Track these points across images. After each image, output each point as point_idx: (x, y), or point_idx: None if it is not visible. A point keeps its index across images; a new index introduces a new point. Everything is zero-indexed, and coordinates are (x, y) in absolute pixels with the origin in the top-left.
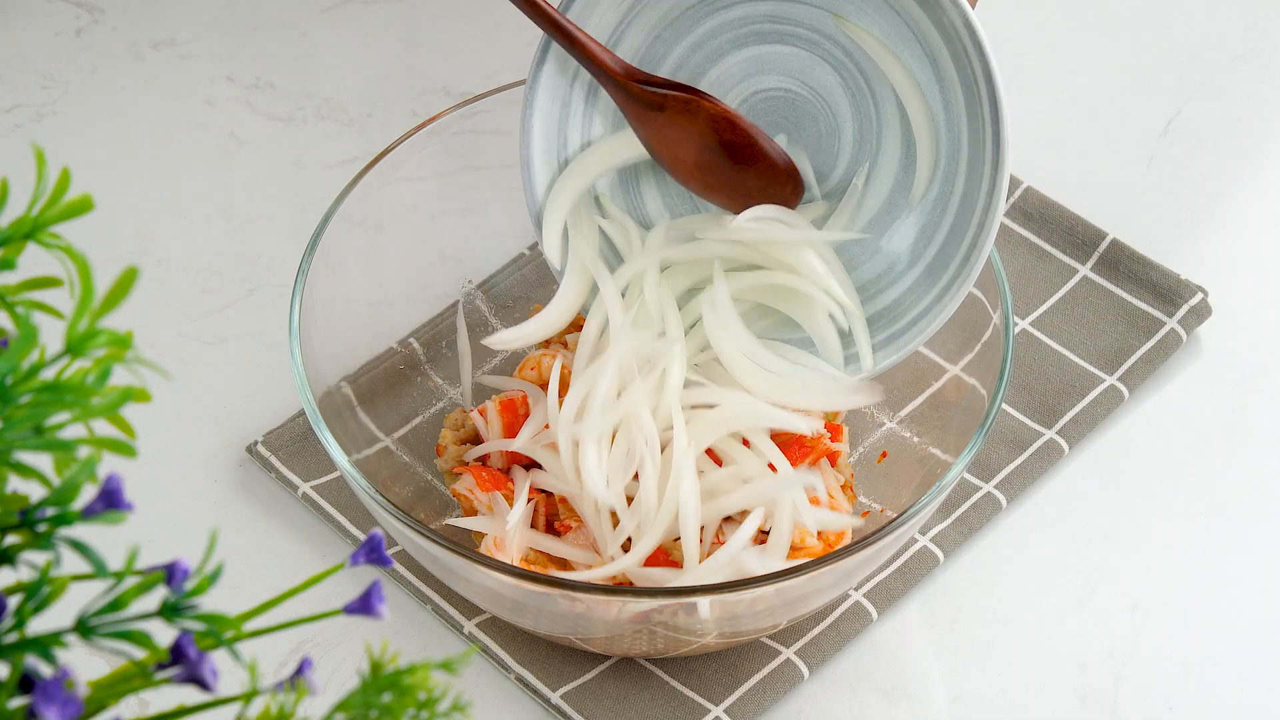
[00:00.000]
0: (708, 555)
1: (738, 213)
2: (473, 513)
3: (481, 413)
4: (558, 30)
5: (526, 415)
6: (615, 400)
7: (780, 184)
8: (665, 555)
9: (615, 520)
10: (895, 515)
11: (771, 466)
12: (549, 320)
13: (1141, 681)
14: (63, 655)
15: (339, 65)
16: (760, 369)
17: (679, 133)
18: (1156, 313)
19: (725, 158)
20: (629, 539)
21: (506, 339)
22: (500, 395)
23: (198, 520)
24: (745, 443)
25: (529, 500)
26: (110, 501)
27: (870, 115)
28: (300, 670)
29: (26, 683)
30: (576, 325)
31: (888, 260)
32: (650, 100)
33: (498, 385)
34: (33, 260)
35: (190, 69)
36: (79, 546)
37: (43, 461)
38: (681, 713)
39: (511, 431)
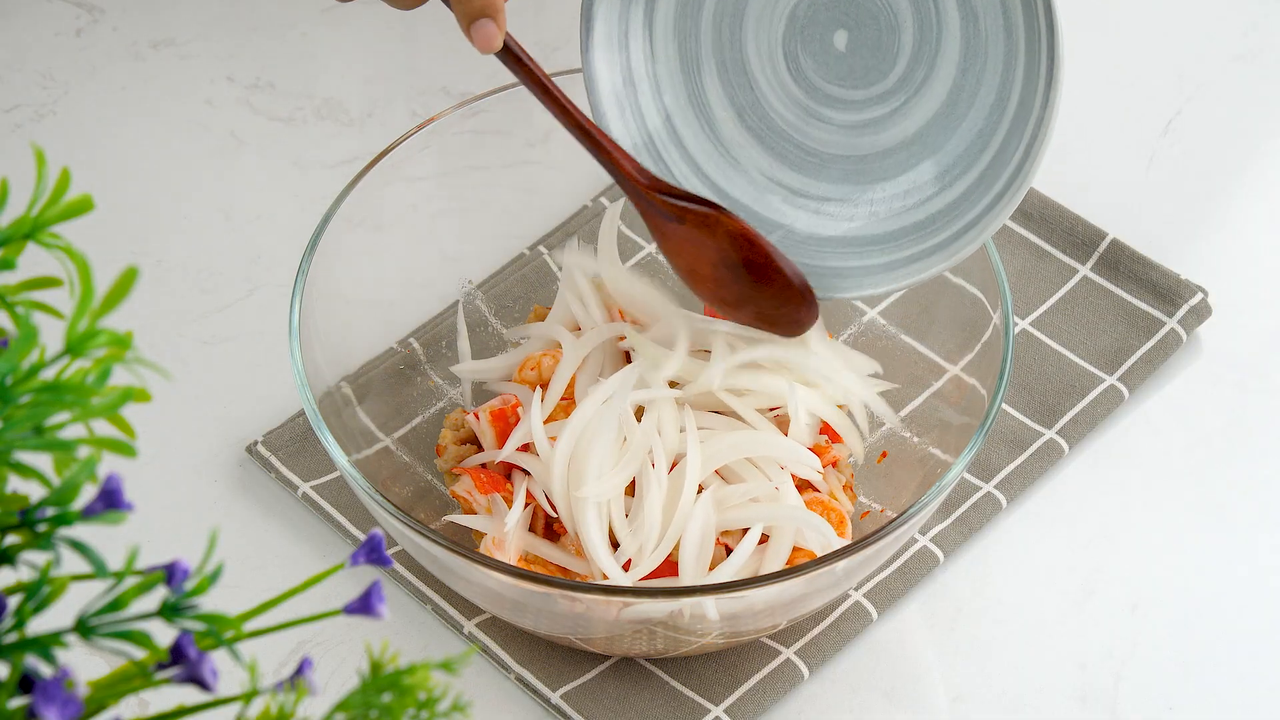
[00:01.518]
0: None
1: (748, 325)
2: (472, 514)
3: (476, 417)
4: (586, 137)
5: (517, 424)
6: (611, 460)
7: (794, 305)
8: (665, 560)
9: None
10: (895, 515)
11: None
12: (513, 360)
13: (1141, 681)
14: (63, 655)
15: (339, 65)
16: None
17: (696, 246)
18: (1156, 313)
19: (742, 274)
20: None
21: (470, 369)
22: (490, 405)
23: (198, 520)
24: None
25: (526, 505)
26: (110, 501)
27: (930, 15)
28: (300, 670)
29: (26, 683)
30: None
31: (945, 163)
32: (671, 211)
33: (498, 386)
34: (33, 260)
35: (190, 69)
36: (79, 546)
37: (43, 461)
38: (681, 713)
39: (504, 441)
